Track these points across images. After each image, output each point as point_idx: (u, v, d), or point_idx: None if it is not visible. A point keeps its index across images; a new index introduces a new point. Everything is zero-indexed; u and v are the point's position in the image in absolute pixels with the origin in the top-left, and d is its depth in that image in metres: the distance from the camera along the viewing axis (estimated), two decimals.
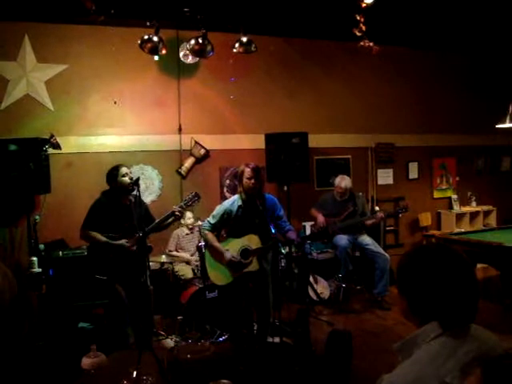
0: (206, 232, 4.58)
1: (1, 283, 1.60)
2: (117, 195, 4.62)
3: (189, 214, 5.74)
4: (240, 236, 4.51)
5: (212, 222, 4.56)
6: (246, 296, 4.55)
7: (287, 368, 2.83)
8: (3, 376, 1.58)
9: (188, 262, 5.68)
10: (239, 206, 4.49)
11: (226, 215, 4.51)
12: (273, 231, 4.39)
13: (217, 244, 4.54)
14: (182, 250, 5.79)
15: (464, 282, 1.45)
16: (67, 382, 2.30)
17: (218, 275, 4.56)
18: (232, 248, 4.48)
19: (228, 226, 4.61)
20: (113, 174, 4.60)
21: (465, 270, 1.47)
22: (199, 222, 5.62)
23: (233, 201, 4.57)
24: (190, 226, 5.80)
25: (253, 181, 4.39)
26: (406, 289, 1.52)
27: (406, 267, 1.54)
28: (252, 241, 4.46)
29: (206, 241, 4.67)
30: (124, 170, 4.61)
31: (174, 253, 5.75)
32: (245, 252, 4.47)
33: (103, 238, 4.51)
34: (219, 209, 4.60)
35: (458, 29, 6.55)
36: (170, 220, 4.71)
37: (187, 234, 5.83)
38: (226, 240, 4.62)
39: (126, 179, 4.55)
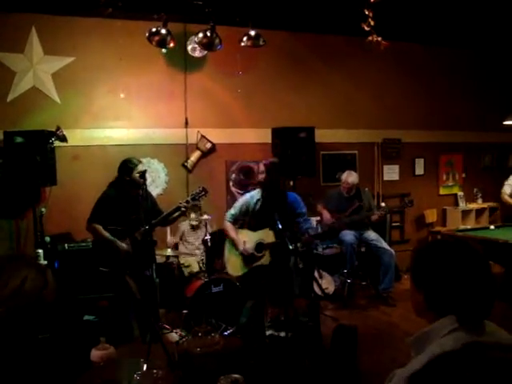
0: (227, 222, 4.77)
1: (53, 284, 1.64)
2: (125, 187, 4.60)
3: (193, 215, 5.73)
4: (257, 229, 4.61)
5: (232, 212, 4.77)
6: (259, 289, 4.60)
7: (297, 362, 2.84)
8: (12, 367, 1.58)
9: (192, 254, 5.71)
10: (257, 200, 4.63)
11: (245, 207, 4.68)
12: (279, 227, 4.39)
13: (233, 235, 4.70)
14: (186, 242, 5.81)
15: (483, 276, 1.45)
16: (76, 374, 2.31)
17: (234, 265, 4.70)
18: (248, 240, 4.61)
19: (248, 218, 4.74)
20: (129, 167, 4.56)
21: (484, 265, 1.46)
22: (205, 216, 5.63)
23: (253, 194, 4.74)
24: (194, 223, 5.81)
25: (263, 175, 4.56)
26: (425, 281, 1.50)
27: (426, 260, 1.52)
28: (267, 235, 4.56)
29: (225, 231, 4.83)
30: (141, 167, 4.55)
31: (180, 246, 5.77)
32: (259, 246, 4.58)
33: (107, 234, 4.50)
34: (240, 201, 4.81)
35: (466, 25, 6.51)
36: (176, 214, 4.70)
37: (191, 230, 5.84)
38: (244, 231, 4.76)
39: (141, 180, 4.53)
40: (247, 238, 4.63)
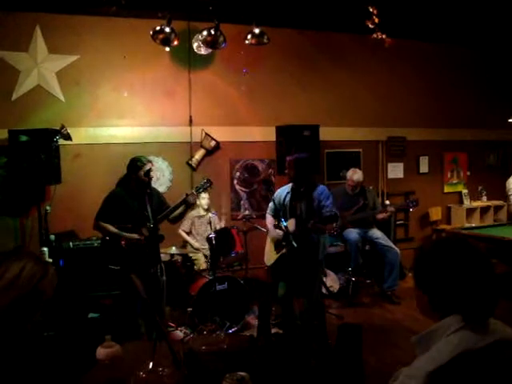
0: (267, 215, 4.97)
1: (34, 269, 1.64)
2: (131, 185, 4.60)
3: (203, 195, 5.72)
4: (287, 219, 4.68)
5: (270, 205, 4.95)
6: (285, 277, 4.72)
7: (302, 360, 2.85)
8: (15, 364, 1.58)
9: (198, 250, 5.72)
10: (287, 193, 4.75)
11: (277, 200, 4.84)
12: (284, 223, 4.39)
13: (267, 225, 4.90)
14: (197, 234, 5.82)
15: (486, 275, 1.44)
16: (81, 372, 2.31)
17: (269, 255, 4.85)
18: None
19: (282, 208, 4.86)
20: (137, 165, 4.54)
21: (486, 263, 1.45)
22: (210, 214, 5.63)
23: (285, 187, 4.87)
24: (206, 207, 5.81)
25: (291, 171, 4.68)
26: (428, 282, 1.50)
27: (428, 260, 1.51)
28: (291, 225, 4.59)
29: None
30: (148, 167, 4.56)
31: (185, 235, 5.79)
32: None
33: (115, 230, 4.50)
34: (274, 194, 4.99)
35: (471, 22, 6.49)
36: (181, 210, 4.71)
37: (202, 216, 5.85)
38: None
39: (146, 179, 4.53)
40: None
